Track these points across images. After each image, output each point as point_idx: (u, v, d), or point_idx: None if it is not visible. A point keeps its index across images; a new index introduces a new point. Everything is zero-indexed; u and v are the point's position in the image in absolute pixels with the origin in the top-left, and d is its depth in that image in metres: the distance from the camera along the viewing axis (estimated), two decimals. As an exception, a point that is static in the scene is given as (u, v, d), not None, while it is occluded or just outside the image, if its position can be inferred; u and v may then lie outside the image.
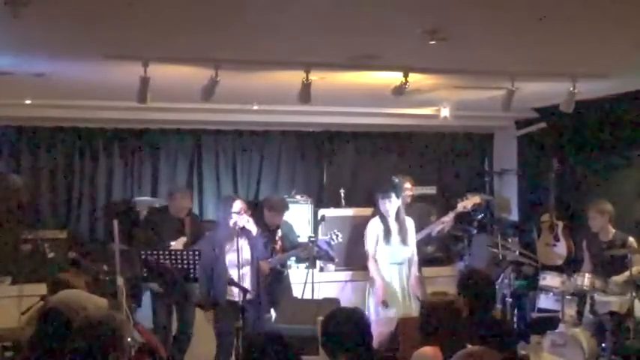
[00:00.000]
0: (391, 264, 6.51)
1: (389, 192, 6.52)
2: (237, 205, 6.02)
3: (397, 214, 6.53)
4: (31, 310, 4.89)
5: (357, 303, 6.38)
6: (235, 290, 5.81)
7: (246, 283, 5.87)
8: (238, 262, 5.83)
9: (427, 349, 3.57)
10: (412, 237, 6.61)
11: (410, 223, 6.62)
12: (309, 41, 4.53)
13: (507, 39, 4.56)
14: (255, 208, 7.09)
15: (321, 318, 4.72)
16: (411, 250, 6.57)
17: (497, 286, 6.94)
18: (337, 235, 6.89)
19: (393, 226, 6.53)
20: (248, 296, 5.71)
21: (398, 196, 6.58)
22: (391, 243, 6.50)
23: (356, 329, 3.39)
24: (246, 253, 5.94)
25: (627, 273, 6.09)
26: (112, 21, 3.96)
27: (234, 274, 5.89)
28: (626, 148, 7.16)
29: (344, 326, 3.39)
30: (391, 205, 6.49)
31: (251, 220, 6.02)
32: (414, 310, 6.16)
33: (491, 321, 4.24)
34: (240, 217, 5.93)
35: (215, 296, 5.96)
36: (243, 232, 5.96)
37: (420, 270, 7.02)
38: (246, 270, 5.92)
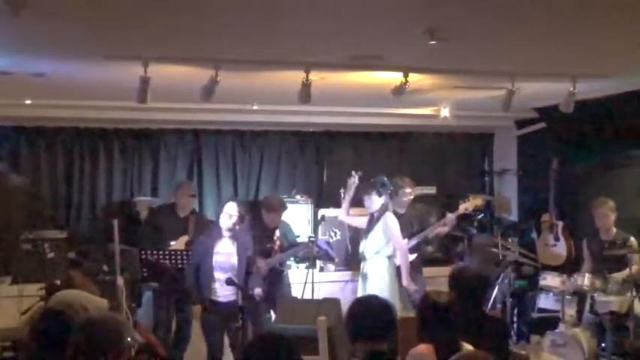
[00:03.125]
0: (367, 259, 6.59)
1: (368, 189, 6.54)
2: (230, 206, 5.83)
3: (375, 211, 6.56)
4: (31, 310, 4.89)
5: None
6: (221, 292, 5.79)
7: (226, 289, 5.77)
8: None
9: (421, 347, 3.59)
10: (384, 233, 6.57)
11: (390, 220, 6.57)
12: (309, 41, 4.53)
13: (507, 39, 4.56)
14: (254, 209, 7.09)
15: (321, 318, 4.74)
16: (374, 247, 6.57)
17: (497, 286, 6.97)
18: (335, 232, 6.90)
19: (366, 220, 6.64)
20: (227, 299, 5.72)
21: (380, 195, 6.54)
22: (363, 238, 6.66)
23: (380, 318, 3.43)
24: (233, 258, 5.86)
25: (627, 271, 6.10)
26: (112, 21, 3.96)
27: (218, 276, 5.77)
28: (626, 148, 7.16)
29: (370, 313, 3.44)
30: (371, 202, 6.52)
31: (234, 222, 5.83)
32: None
33: (482, 317, 4.28)
34: (227, 217, 5.78)
35: (200, 293, 5.88)
36: (234, 235, 5.88)
37: (420, 270, 7.03)
38: (231, 275, 5.82)
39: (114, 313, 3.84)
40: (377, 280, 6.48)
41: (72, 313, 3.44)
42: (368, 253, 6.58)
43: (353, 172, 6.81)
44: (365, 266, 6.62)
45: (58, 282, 4.65)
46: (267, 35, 4.34)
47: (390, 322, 3.49)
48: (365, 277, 6.59)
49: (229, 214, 5.78)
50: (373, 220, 6.60)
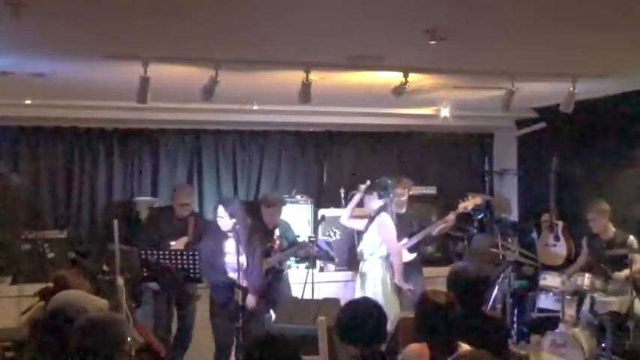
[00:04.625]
0: (364, 259, 6.57)
1: (370, 189, 6.54)
2: (219, 210, 5.94)
3: (373, 211, 6.54)
4: (32, 310, 4.88)
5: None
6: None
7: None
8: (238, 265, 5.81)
9: (414, 346, 3.61)
10: (377, 234, 6.54)
11: (385, 221, 6.52)
12: (309, 41, 4.53)
13: (507, 39, 4.56)
14: (254, 209, 7.10)
15: (321, 318, 4.74)
16: (370, 246, 6.55)
17: (497, 286, 6.97)
18: (335, 232, 6.89)
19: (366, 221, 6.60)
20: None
21: (380, 197, 6.52)
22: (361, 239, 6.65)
23: (371, 321, 3.43)
24: (240, 257, 5.89)
25: (628, 270, 6.10)
26: (112, 21, 3.96)
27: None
28: (626, 148, 7.16)
29: (360, 316, 3.45)
30: (370, 202, 6.52)
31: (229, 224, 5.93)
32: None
33: (481, 317, 4.30)
34: (222, 221, 5.88)
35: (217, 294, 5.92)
36: (237, 235, 5.90)
37: (420, 270, 7.03)
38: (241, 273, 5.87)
39: (115, 313, 3.83)
40: (374, 280, 6.49)
41: (74, 314, 3.43)
42: (365, 253, 6.59)
43: (368, 181, 6.74)
44: (363, 266, 6.62)
45: (51, 285, 4.61)
46: (267, 35, 4.33)
47: (378, 324, 3.50)
48: (363, 276, 6.60)
49: (220, 217, 5.87)
50: (369, 221, 6.60)
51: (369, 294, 6.31)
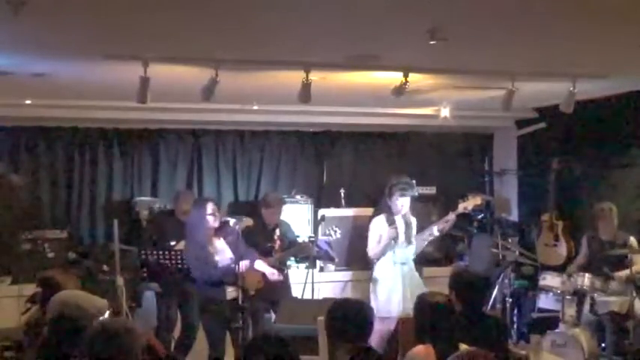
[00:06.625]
0: (395, 264, 6.40)
1: (407, 190, 6.39)
2: (210, 207, 5.91)
3: (405, 213, 6.48)
4: (31, 311, 4.88)
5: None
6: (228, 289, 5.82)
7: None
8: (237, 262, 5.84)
9: (419, 348, 3.61)
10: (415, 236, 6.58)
11: (414, 222, 6.57)
12: (309, 41, 4.53)
13: (507, 39, 4.56)
14: (254, 209, 7.10)
15: (321, 318, 4.75)
16: (414, 250, 6.54)
17: (497, 286, 6.97)
18: (335, 231, 6.87)
19: (400, 226, 6.40)
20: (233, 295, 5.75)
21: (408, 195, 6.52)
22: (396, 243, 6.41)
23: (358, 321, 3.45)
24: (228, 253, 5.90)
25: (628, 270, 6.10)
26: (112, 21, 3.96)
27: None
28: (626, 148, 7.16)
29: (348, 316, 3.49)
30: (407, 203, 6.43)
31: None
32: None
33: (482, 318, 4.31)
34: (214, 218, 5.88)
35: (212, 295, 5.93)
36: (220, 232, 5.92)
37: (420, 270, 7.02)
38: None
39: (128, 321, 3.83)
40: (416, 282, 6.42)
41: (75, 316, 3.43)
42: (399, 258, 6.43)
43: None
44: (378, 269, 6.46)
45: (40, 289, 4.58)
46: (267, 35, 4.34)
47: (370, 321, 3.53)
48: (376, 282, 6.40)
49: (209, 214, 5.87)
50: (403, 224, 6.44)
51: (395, 299, 6.23)
